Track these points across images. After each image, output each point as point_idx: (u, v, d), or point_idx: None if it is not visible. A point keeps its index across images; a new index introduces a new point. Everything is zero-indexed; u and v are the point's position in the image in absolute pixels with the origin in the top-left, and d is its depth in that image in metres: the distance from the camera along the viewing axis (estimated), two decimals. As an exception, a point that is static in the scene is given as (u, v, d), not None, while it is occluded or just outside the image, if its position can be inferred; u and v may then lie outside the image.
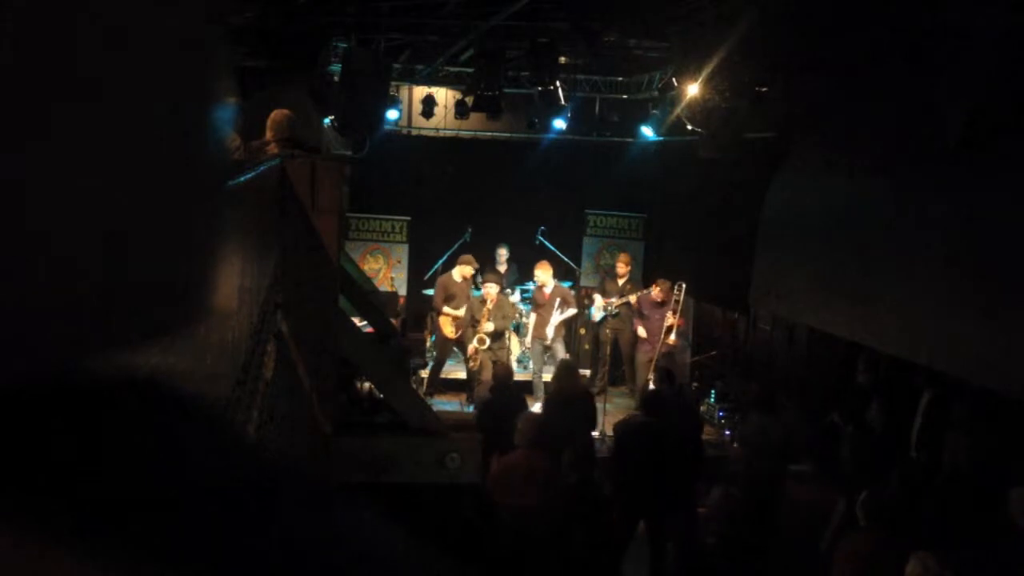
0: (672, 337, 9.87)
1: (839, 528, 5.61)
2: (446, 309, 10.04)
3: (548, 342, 10.19)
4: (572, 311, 10.32)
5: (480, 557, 5.70)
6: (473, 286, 10.44)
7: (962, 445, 6.09)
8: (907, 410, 6.72)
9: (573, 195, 12.48)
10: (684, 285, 9.98)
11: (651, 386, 9.61)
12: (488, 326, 9.48)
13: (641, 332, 10.09)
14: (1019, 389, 5.10)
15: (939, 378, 6.23)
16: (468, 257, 10.28)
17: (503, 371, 8.16)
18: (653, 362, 9.82)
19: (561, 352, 10.28)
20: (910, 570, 3.80)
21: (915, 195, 6.39)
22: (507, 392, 7.60)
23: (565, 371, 8.07)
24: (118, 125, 0.37)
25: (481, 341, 9.45)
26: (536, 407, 9.68)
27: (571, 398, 7.45)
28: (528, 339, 10.63)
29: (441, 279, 10.32)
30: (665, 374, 8.09)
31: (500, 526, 5.81)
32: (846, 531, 5.22)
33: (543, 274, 10.20)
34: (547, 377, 10.21)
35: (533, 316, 10.42)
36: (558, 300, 10.13)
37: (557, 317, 10.12)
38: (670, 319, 9.83)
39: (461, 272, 10.11)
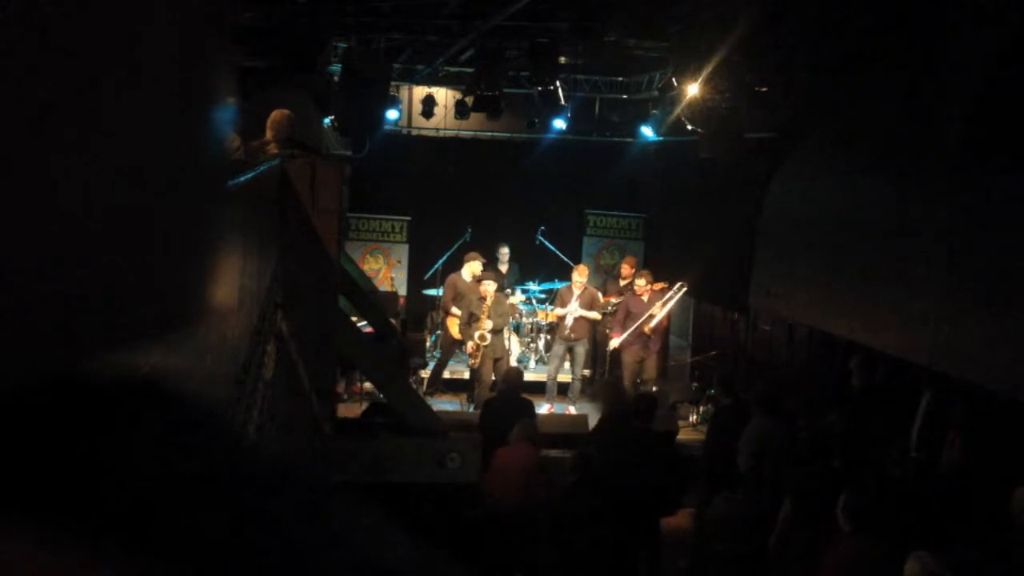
0: (651, 326, 9.55)
1: (784, 527, 5.53)
2: (454, 309, 9.89)
3: (572, 342, 9.98)
4: (594, 314, 10.05)
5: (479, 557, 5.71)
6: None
7: (961, 445, 6.08)
8: (906, 410, 6.72)
9: (573, 195, 12.49)
10: (685, 285, 9.88)
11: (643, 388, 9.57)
12: (488, 323, 9.44)
13: (627, 336, 9.62)
14: (1019, 389, 5.10)
15: (939, 378, 6.23)
16: (475, 254, 10.09)
17: (515, 374, 7.92)
18: (648, 361, 9.65)
19: (582, 356, 10.07)
20: (909, 570, 3.80)
21: (915, 195, 6.39)
22: (514, 394, 7.42)
23: (611, 391, 7.68)
24: (118, 125, 0.37)
25: (482, 338, 9.41)
26: (544, 408, 9.61)
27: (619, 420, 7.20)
28: (552, 339, 10.51)
29: (451, 278, 10.11)
30: (725, 385, 7.71)
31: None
32: (794, 531, 5.19)
33: (580, 277, 9.97)
34: (563, 378, 10.14)
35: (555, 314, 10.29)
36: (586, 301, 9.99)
37: (577, 312, 9.91)
38: (656, 309, 9.55)
39: (471, 271, 9.92)
